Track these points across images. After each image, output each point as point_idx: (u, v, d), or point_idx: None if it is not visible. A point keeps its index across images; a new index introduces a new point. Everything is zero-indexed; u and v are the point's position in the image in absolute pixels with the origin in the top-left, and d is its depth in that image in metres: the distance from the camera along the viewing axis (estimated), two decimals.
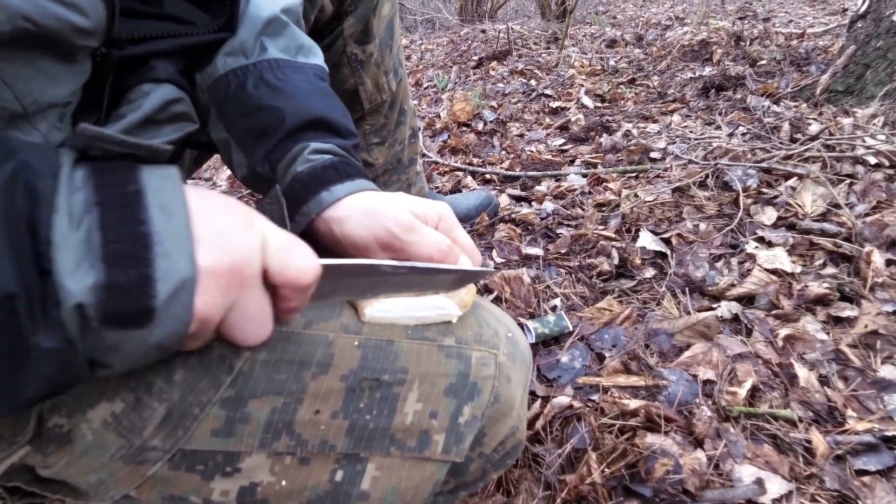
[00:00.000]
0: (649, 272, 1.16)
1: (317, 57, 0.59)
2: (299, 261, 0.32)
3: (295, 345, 0.39)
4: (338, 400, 0.39)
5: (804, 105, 1.89)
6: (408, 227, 0.42)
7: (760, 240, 1.19)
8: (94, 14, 0.36)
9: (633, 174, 1.61)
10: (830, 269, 1.07)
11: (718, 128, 1.82)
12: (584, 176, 1.63)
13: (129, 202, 0.27)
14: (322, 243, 0.47)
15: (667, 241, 1.24)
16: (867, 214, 1.18)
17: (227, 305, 0.30)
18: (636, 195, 1.44)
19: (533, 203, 1.53)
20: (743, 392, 0.84)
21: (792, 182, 1.34)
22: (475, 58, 3.42)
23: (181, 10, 0.49)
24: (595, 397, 0.88)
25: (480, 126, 2.21)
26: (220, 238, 0.29)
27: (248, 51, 0.52)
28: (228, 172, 2.02)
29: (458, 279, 0.44)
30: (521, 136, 2.09)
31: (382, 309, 0.42)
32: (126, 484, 0.36)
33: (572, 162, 1.79)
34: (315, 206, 0.46)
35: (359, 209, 0.45)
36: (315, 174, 0.47)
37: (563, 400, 0.87)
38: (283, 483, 0.38)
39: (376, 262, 0.38)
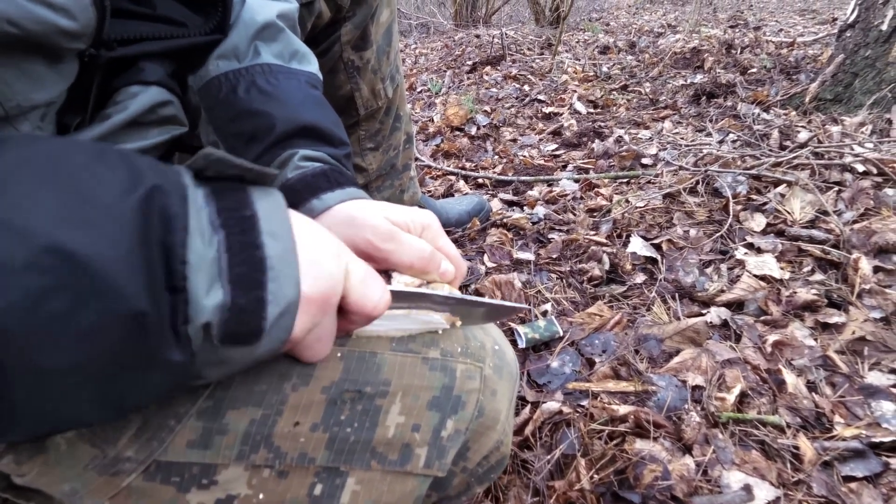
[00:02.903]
0: (640, 278, 1.16)
1: (311, 64, 0.58)
2: (376, 294, 0.35)
3: (276, 356, 0.38)
4: (318, 412, 0.39)
5: (793, 113, 1.91)
6: (386, 236, 0.42)
7: (750, 246, 1.19)
8: (82, 17, 0.35)
9: (625, 180, 1.61)
10: (819, 276, 1.08)
11: (709, 135, 1.83)
12: (576, 181, 1.63)
13: (247, 227, 0.28)
14: None
15: (657, 247, 1.24)
16: (855, 221, 1.19)
17: (311, 328, 0.32)
18: (627, 201, 1.44)
19: (525, 208, 1.53)
20: (731, 398, 0.84)
21: (781, 189, 1.35)
22: (469, 62, 3.43)
23: (173, 12, 0.48)
24: (585, 403, 0.87)
25: (473, 130, 2.21)
26: (316, 267, 0.31)
27: (242, 54, 0.52)
28: None
29: (492, 313, 0.45)
30: (514, 140, 2.10)
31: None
32: (100, 495, 0.35)
33: (564, 167, 1.79)
34: (305, 214, 0.45)
35: (338, 219, 0.45)
36: (305, 181, 0.47)
37: (552, 405, 0.86)
38: (261, 496, 0.37)
39: (430, 292, 0.41)
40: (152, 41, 0.45)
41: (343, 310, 0.35)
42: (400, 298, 0.39)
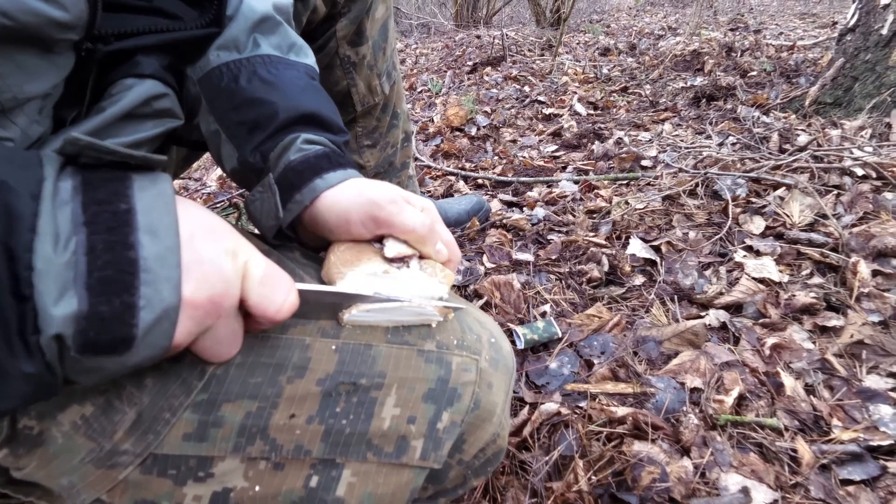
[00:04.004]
0: (639, 279, 1.16)
1: (308, 57, 0.59)
2: (278, 297, 0.33)
3: (271, 348, 0.38)
4: (314, 404, 0.39)
5: (793, 116, 1.91)
6: (391, 199, 0.43)
7: (749, 249, 1.20)
8: (74, 8, 0.35)
9: (625, 182, 1.61)
10: (817, 279, 1.08)
11: (709, 137, 1.83)
12: (576, 182, 1.63)
13: (119, 223, 0.26)
14: (310, 229, 0.48)
15: (656, 249, 1.24)
16: (854, 225, 1.20)
17: (201, 332, 0.30)
18: (627, 202, 1.44)
19: (524, 209, 1.53)
20: (730, 400, 0.84)
21: (780, 192, 1.35)
22: (469, 63, 3.43)
23: (169, 4, 0.48)
24: (583, 404, 0.87)
25: (473, 131, 2.21)
26: (204, 267, 0.29)
27: (241, 46, 0.52)
28: (218, 173, 2.00)
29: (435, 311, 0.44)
30: (514, 141, 2.10)
31: (362, 312, 0.41)
32: (97, 488, 0.35)
33: (564, 168, 1.79)
34: (309, 193, 0.46)
35: (347, 191, 0.45)
36: (308, 162, 0.47)
37: (551, 406, 0.86)
38: (257, 488, 0.38)
39: (353, 292, 0.38)
40: (148, 34, 0.45)
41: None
42: (316, 296, 0.37)
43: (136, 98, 0.43)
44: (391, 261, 0.44)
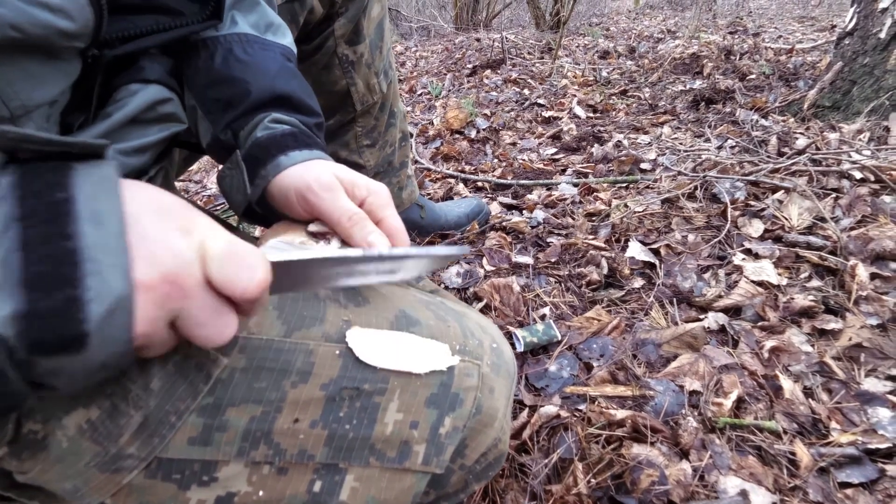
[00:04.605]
0: (638, 282, 1.17)
1: (285, 37, 0.59)
2: (243, 273, 0.30)
3: (275, 353, 0.38)
4: (317, 409, 0.39)
5: (792, 119, 1.91)
6: (326, 185, 0.43)
7: (747, 252, 1.20)
8: (80, 17, 0.36)
9: (624, 185, 1.62)
10: (816, 282, 1.08)
11: (708, 140, 1.84)
12: (575, 185, 1.64)
13: (57, 213, 0.25)
14: (277, 208, 0.48)
15: (655, 252, 1.25)
16: (852, 228, 1.20)
17: (169, 317, 0.29)
18: (626, 205, 1.44)
19: (524, 211, 1.53)
20: (728, 403, 0.84)
21: (779, 195, 1.36)
22: (469, 66, 3.44)
23: (170, 0, 0.49)
24: (582, 407, 0.88)
25: (473, 134, 2.21)
26: (153, 247, 0.27)
27: (219, 23, 0.53)
28: None
29: (428, 262, 0.43)
30: (514, 144, 2.10)
31: (371, 345, 0.41)
32: (102, 492, 0.35)
33: (564, 171, 1.80)
34: (273, 169, 0.46)
35: (296, 172, 0.45)
36: (275, 140, 0.47)
37: (550, 409, 0.86)
38: (261, 493, 0.38)
39: (330, 255, 0.34)
40: (153, 35, 0.45)
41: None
42: (288, 270, 0.34)
43: (142, 103, 0.43)
44: (313, 235, 0.44)
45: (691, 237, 1.27)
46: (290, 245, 0.41)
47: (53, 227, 0.24)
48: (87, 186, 0.26)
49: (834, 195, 1.33)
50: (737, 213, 1.33)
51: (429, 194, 1.72)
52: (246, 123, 0.50)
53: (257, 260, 0.31)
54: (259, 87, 0.50)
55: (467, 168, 1.91)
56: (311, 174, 0.44)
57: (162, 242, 0.28)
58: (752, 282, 1.09)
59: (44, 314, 0.23)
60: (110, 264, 0.25)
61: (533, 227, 1.43)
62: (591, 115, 2.36)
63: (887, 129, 1.62)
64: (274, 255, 0.32)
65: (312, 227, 0.44)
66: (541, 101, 2.55)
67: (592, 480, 0.76)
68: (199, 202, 1.80)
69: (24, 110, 0.35)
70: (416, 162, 1.92)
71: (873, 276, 1.05)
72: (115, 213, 0.26)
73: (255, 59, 0.52)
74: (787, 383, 0.87)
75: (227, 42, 0.52)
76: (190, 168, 1.49)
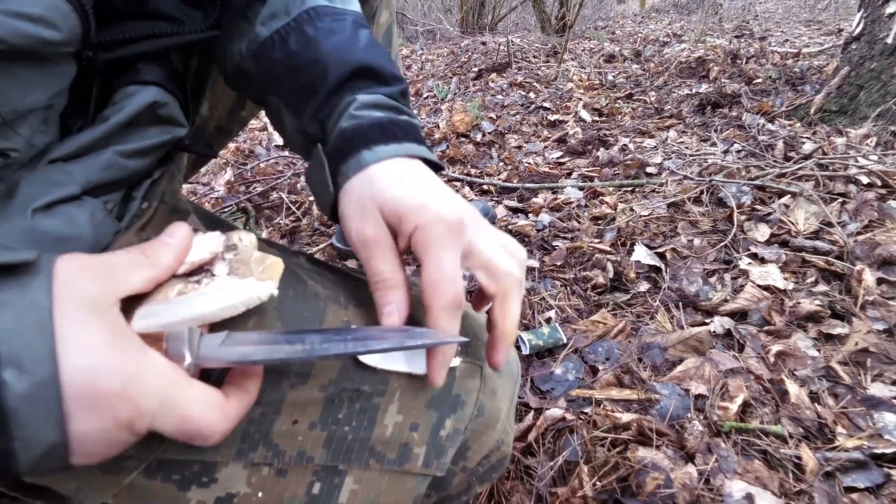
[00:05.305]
0: (643, 286, 1.17)
1: (353, 3, 0.55)
2: (197, 442, 0.30)
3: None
4: (316, 411, 0.39)
5: (798, 124, 1.91)
6: (363, 242, 0.39)
7: (753, 256, 1.20)
8: (65, 25, 0.35)
9: (629, 188, 1.62)
10: (822, 287, 1.08)
11: (714, 144, 1.84)
12: (581, 189, 1.64)
13: None
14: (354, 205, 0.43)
15: (661, 256, 1.25)
16: (859, 233, 1.20)
17: (119, 433, 0.28)
18: (632, 209, 1.45)
19: (529, 215, 1.54)
20: (734, 407, 0.84)
21: (785, 200, 1.36)
22: (475, 69, 3.45)
23: (170, 8, 0.47)
24: (588, 410, 0.88)
25: (479, 137, 2.22)
26: (90, 401, 0.26)
27: (290, 7, 0.50)
28: (227, 177, 2.02)
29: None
30: (519, 147, 2.11)
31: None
32: (104, 492, 0.36)
33: (569, 175, 1.80)
34: (355, 165, 0.42)
35: (363, 179, 0.41)
36: (361, 132, 0.43)
37: (555, 412, 0.87)
38: (260, 495, 0.37)
39: (278, 358, 0.32)
40: (148, 40, 0.44)
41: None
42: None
43: (139, 105, 0.42)
44: (187, 276, 0.35)
45: (697, 241, 1.27)
46: (165, 304, 0.33)
47: None
48: (7, 320, 0.24)
49: (841, 200, 1.33)
50: (743, 217, 1.33)
51: None
52: (332, 111, 0.46)
53: (214, 429, 0.31)
54: (336, 63, 0.46)
55: (473, 171, 1.92)
56: (380, 198, 0.39)
57: (100, 367, 0.26)
58: (759, 286, 1.09)
59: None
60: (39, 417, 0.24)
61: (539, 231, 1.43)
62: (597, 118, 2.36)
63: (894, 134, 1.62)
64: (152, 321, 0.31)
65: (183, 268, 0.35)
66: (546, 104, 2.56)
67: (598, 483, 0.76)
68: (206, 204, 1.81)
69: (17, 115, 0.35)
70: None
71: (880, 281, 1.05)
72: (43, 357, 0.24)
73: (325, 33, 0.48)
74: (793, 388, 0.87)
75: (297, 24, 0.48)
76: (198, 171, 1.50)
